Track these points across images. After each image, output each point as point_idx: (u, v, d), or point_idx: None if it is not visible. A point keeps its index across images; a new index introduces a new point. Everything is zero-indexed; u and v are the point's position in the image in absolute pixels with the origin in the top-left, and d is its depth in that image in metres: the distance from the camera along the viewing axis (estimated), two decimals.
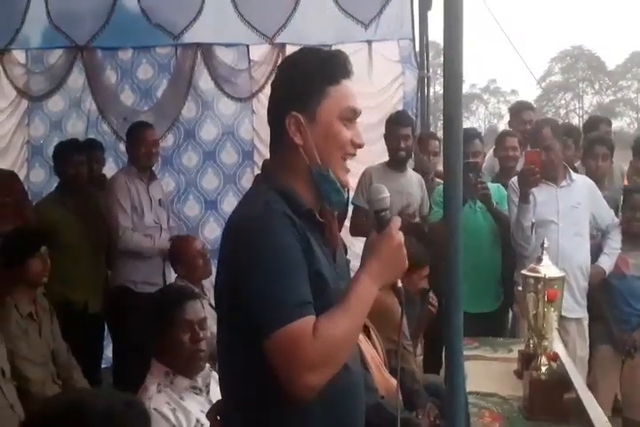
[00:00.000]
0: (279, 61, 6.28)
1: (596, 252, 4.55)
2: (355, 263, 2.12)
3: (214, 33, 6.28)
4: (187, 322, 2.77)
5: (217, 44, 6.40)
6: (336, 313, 1.75)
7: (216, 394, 2.71)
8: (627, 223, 4.59)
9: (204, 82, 6.46)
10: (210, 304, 4.12)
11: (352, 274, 1.97)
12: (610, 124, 6.54)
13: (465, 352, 3.55)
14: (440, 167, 4.85)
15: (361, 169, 4.94)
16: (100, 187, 5.38)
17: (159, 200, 5.13)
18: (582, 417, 2.65)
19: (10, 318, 3.74)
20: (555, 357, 2.83)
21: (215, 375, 2.86)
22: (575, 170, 4.87)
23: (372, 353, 3.46)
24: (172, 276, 4.93)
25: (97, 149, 5.90)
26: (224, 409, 1.99)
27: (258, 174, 2.06)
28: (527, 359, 3.05)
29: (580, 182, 4.52)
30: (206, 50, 6.39)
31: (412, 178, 5.12)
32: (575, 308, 4.38)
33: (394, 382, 3.46)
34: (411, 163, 5.77)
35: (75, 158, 5.07)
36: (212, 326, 2.95)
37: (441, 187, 3.88)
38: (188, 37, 6.28)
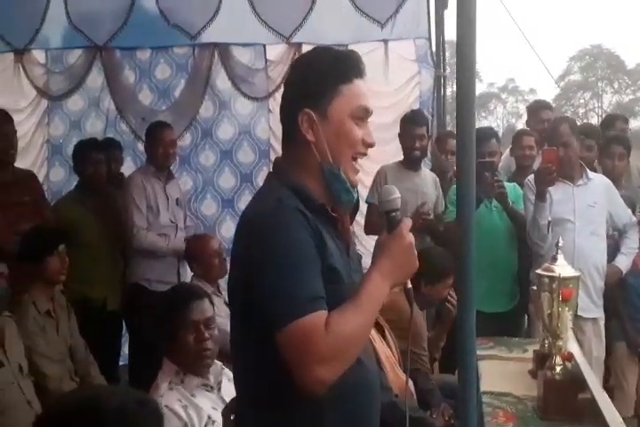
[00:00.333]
0: None
1: (614, 251, 4.53)
2: (366, 260, 2.13)
3: (231, 33, 6.30)
4: (192, 322, 2.78)
5: (234, 44, 6.42)
6: (348, 309, 1.76)
7: (228, 391, 2.74)
8: None
9: (222, 81, 6.48)
10: (225, 303, 4.15)
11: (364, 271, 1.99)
12: (626, 121, 6.49)
13: (480, 352, 3.58)
14: None
15: (375, 168, 4.94)
16: (119, 186, 5.41)
17: (176, 199, 5.17)
18: (597, 418, 2.64)
19: (28, 315, 3.78)
20: (569, 357, 2.82)
21: (227, 373, 2.88)
22: (595, 171, 4.85)
23: (387, 353, 3.47)
24: (187, 275, 4.96)
25: (115, 148, 5.94)
26: (238, 406, 2.00)
27: (270, 172, 2.07)
28: (542, 359, 3.04)
29: (597, 181, 4.50)
30: (223, 50, 6.41)
31: (426, 177, 5.12)
32: (591, 308, 4.37)
33: (409, 381, 3.47)
34: (427, 163, 5.77)
35: (93, 157, 5.12)
36: (228, 324, 2.97)
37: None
38: (206, 37, 6.31)
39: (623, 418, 2.81)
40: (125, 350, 5.48)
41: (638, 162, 5.87)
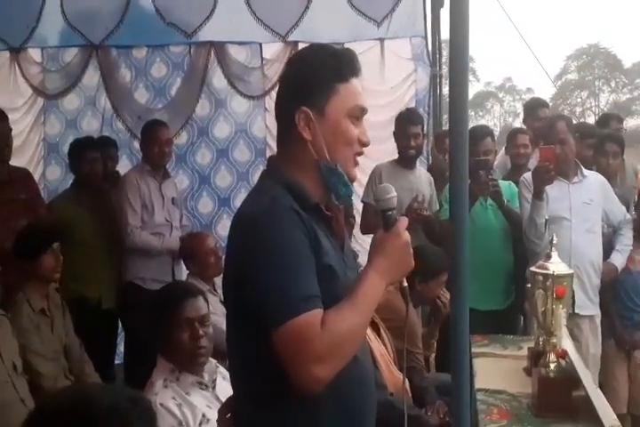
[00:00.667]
0: None
1: (607, 248, 4.54)
2: (362, 258, 2.14)
3: (227, 31, 6.30)
4: (186, 320, 2.77)
5: (230, 43, 6.43)
6: (344, 307, 1.77)
7: (223, 389, 2.74)
8: (638, 220, 4.58)
9: (218, 80, 6.49)
10: (221, 301, 4.15)
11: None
12: (621, 120, 6.51)
13: (475, 349, 3.60)
14: None
15: (371, 166, 4.95)
16: (114, 184, 5.41)
17: (172, 198, 5.16)
18: (591, 414, 2.65)
19: (22, 314, 3.77)
20: (563, 354, 2.83)
21: (222, 371, 2.87)
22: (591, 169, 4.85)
23: (382, 351, 3.48)
24: (181, 273, 4.96)
25: (111, 146, 5.93)
26: (234, 404, 2.00)
27: (264, 170, 2.07)
28: (536, 357, 3.05)
29: (592, 179, 4.51)
30: (219, 48, 6.41)
31: (421, 176, 5.13)
32: (588, 305, 4.37)
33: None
34: (423, 161, 5.78)
35: (89, 156, 5.11)
36: (224, 322, 2.97)
37: None
38: (202, 36, 6.31)
39: (616, 415, 2.83)
40: (121, 348, 5.49)
41: (633, 161, 5.89)
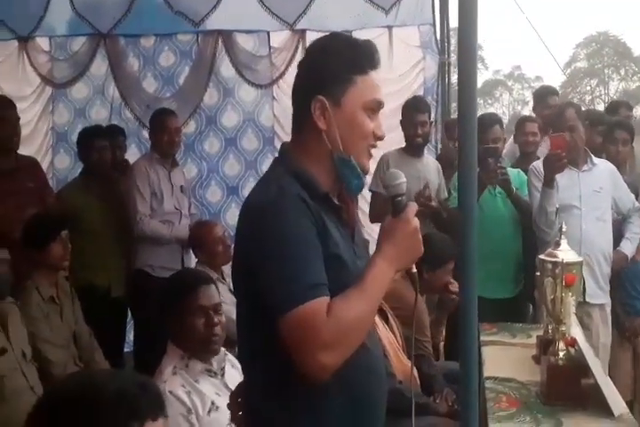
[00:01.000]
0: (299, 48, 6.30)
1: (617, 236, 4.52)
2: (371, 247, 2.13)
3: (235, 20, 6.27)
4: (201, 307, 2.77)
5: (237, 31, 6.41)
6: (351, 294, 1.77)
7: (231, 377, 2.75)
8: None
9: (226, 68, 6.47)
10: (229, 290, 4.16)
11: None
12: (630, 108, 6.46)
13: (484, 338, 3.60)
14: None
15: (379, 155, 4.93)
16: (123, 172, 5.42)
17: (181, 187, 5.17)
18: (600, 402, 2.65)
19: (31, 302, 3.79)
20: (572, 342, 2.82)
21: (231, 358, 2.88)
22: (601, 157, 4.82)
23: (390, 338, 3.48)
24: (190, 261, 4.98)
25: (119, 134, 5.94)
26: (245, 391, 2.00)
27: (276, 157, 2.06)
28: (545, 345, 3.05)
29: (602, 167, 4.48)
30: (227, 37, 6.39)
31: (429, 164, 5.12)
32: (598, 293, 4.36)
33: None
34: (431, 149, 5.75)
35: (97, 144, 5.11)
36: (232, 311, 2.97)
37: None
38: (210, 24, 6.28)
39: None
40: (131, 336, 5.51)
41: None
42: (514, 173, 4.75)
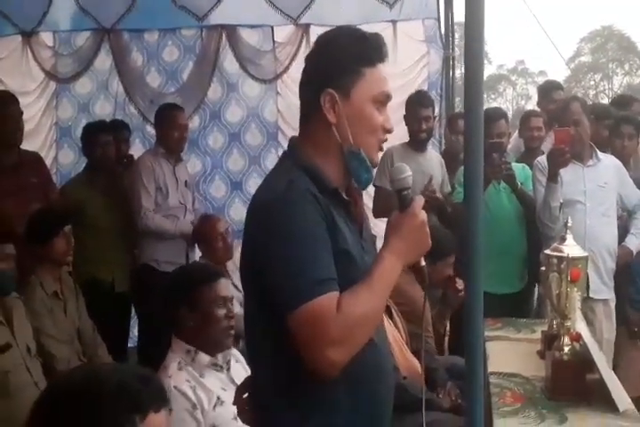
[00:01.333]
0: (303, 42, 6.28)
1: (622, 232, 4.51)
2: (378, 243, 2.12)
3: (239, 14, 6.26)
4: (222, 298, 2.79)
5: (241, 26, 6.40)
6: (360, 290, 1.76)
7: (236, 371, 2.75)
8: None
9: (229, 63, 6.46)
10: (233, 285, 4.16)
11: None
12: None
13: (488, 333, 3.58)
14: None
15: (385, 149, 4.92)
16: (127, 167, 5.42)
17: (185, 181, 5.17)
18: (605, 398, 2.64)
19: (35, 297, 3.79)
20: (577, 337, 2.81)
21: (235, 353, 2.89)
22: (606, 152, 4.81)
23: (394, 333, 3.47)
24: (195, 256, 4.99)
25: (123, 129, 5.94)
26: (252, 386, 1.99)
27: (284, 151, 2.05)
28: (550, 340, 3.03)
29: (607, 162, 4.47)
30: (231, 31, 6.38)
31: (432, 158, 5.11)
32: (602, 289, 4.35)
33: (416, 362, 3.47)
34: (435, 144, 5.74)
35: (101, 139, 5.12)
36: (235, 307, 2.98)
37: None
38: (213, 19, 6.27)
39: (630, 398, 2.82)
40: (135, 331, 5.51)
41: None
42: (518, 168, 4.74)
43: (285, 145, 2.06)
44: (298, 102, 1.98)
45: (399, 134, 5.08)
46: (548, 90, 6.20)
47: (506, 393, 2.85)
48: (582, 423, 2.55)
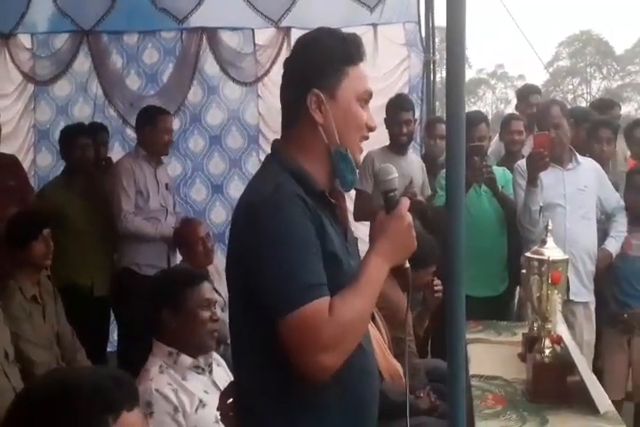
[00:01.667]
0: (284, 45, 6.28)
1: (601, 235, 4.53)
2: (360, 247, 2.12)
3: (219, 17, 6.25)
4: (206, 300, 2.78)
5: (222, 28, 6.39)
6: (349, 294, 1.75)
7: (218, 375, 2.74)
8: (629, 204, 4.57)
9: (210, 66, 6.45)
10: (214, 289, 4.14)
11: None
12: (620, 107, 6.50)
13: (469, 335, 3.59)
14: None
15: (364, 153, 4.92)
16: (106, 170, 5.38)
17: (166, 184, 5.13)
18: (586, 400, 2.65)
19: (14, 301, 3.74)
20: (558, 340, 2.82)
21: (216, 357, 2.87)
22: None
23: (377, 336, 3.47)
24: (176, 259, 4.95)
25: (102, 131, 5.91)
26: (236, 390, 1.98)
27: (268, 155, 2.03)
28: (531, 342, 3.05)
29: (587, 165, 4.49)
30: (211, 34, 6.37)
31: (413, 162, 5.11)
32: (582, 291, 4.37)
33: (398, 365, 3.47)
34: (416, 147, 5.75)
35: (80, 142, 5.08)
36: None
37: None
38: (193, 21, 6.26)
39: (613, 401, 2.84)
40: (115, 336, 5.47)
41: (624, 147, 5.87)
42: (499, 172, 4.76)
43: (266, 148, 2.06)
44: (279, 105, 1.97)
45: (379, 139, 5.10)
46: (525, 94, 6.25)
47: (487, 396, 2.86)
48: (563, 426, 2.57)
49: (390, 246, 1.83)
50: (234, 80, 6.46)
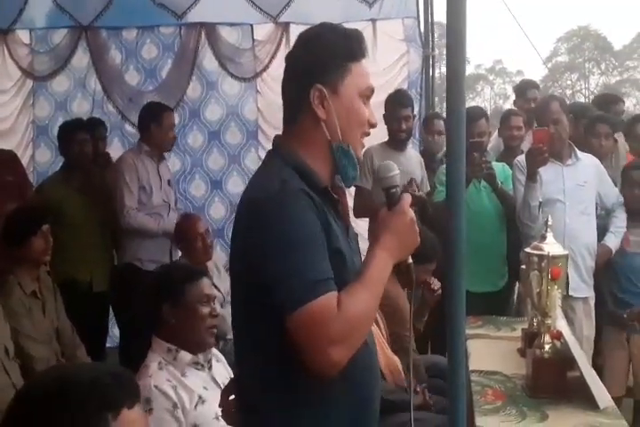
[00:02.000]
0: (283, 40, 6.28)
1: (601, 231, 4.53)
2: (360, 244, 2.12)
3: (218, 12, 6.24)
4: (206, 296, 2.78)
5: (221, 24, 6.39)
6: (355, 289, 1.75)
7: (218, 371, 2.74)
8: (627, 200, 4.57)
9: (209, 62, 6.45)
10: (213, 284, 4.14)
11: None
12: (623, 102, 6.51)
13: (468, 331, 3.59)
14: None
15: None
16: (105, 165, 5.37)
17: (168, 180, 5.14)
18: (586, 395, 2.65)
19: (13, 297, 3.73)
20: (558, 335, 2.83)
21: (216, 353, 2.88)
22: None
23: (376, 331, 3.47)
24: (178, 255, 4.94)
25: (100, 127, 5.90)
26: (238, 386, 1.97)
27: (270, 150, 2.02)
28: (530, 338, 3.05)
29: (587, 161, 4.49)
30: (210, 29, 6.37)
31: (412, 157, 5.10)
32: (582, 287, 4.37)
33: (397, 360, 3.48)
34: (415, 143, 5.75)
35: (78, 137, 5.06)
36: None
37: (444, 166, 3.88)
38: (192, 17, 6.26)
39: (613, 398, 2.84)
40: (115, 332, 5.47)
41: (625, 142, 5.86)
42: (498, 167, 4.76)
43: (265, 144, 2.06)
44: (278, 101, 1.97)
45: (378, 134, 5.10)
46: (524, 89, 6.25)
47: (487, 391, 2.86)
48: (563, 421, 2.56)
49: (395, 241, 1.83)
50: (233, 76, 6.46)
